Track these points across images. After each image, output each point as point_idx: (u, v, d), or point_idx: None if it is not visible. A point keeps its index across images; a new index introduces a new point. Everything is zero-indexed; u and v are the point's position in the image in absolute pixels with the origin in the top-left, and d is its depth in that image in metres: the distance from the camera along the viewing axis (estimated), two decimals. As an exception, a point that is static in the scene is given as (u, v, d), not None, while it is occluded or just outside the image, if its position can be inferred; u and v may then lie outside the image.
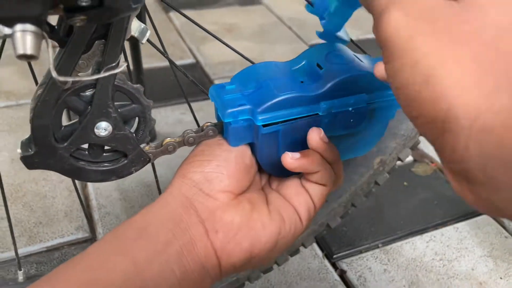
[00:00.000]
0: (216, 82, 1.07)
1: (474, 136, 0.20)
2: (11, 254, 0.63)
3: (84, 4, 0.24)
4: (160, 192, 0.50)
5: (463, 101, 0.21)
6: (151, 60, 1.11)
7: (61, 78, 0.28)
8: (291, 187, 0.37)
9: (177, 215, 0.34)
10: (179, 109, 0.96)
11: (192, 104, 0.98)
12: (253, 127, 0.36)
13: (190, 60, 1.15)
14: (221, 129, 0.38)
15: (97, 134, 0.35)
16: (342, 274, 0.65)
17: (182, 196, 0.35)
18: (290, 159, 0.36)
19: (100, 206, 0.72)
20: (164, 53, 0.45)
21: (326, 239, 0.70)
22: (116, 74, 0.33)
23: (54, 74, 0.24)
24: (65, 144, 0.35)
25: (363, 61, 0.38)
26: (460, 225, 0.76)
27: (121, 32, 0.32)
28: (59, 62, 0.31)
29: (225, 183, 0.36)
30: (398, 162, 0.55)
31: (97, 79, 0.33)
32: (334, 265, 0.67)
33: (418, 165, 0.89)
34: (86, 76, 0.31)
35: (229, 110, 0.36)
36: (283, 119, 0.36)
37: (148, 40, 0.47)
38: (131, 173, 0.38)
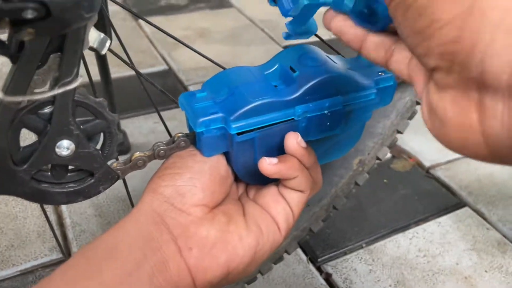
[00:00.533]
0: (190, 88, 1.05)
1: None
2: (-19, 281, 0.60)
3: (30, 16, 0.22)
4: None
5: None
6: (121, 70, 1.09)
7: (9, 99, 0.26)
8: (268, 195, 0.36)
9: (148, 233, 0.32)
10: (152, 118, 0.94)
11: (165, 113, 0.97)
12: (227, 135, 0.35)
13: (162, 67, 1.12)
14: (193, 139, 0.37)
15: (58, 153, 0.33)
16: (328, 278, 0.64)
17: (153, 212, 0.33)
18: (268, 165, 0.34)
19: (75, 224, 0.70)
20: (129, 63, 0.43)
21: (309, 242, 0.68)
22: (74, 89, 0.31)
23: (1, 95, 0.22)
24: (25, 166, 0.32)
25: (336, 62, 0.37)
26: (442, 219, 0.75)
27: (78, 44, 0.30)
28: (11, 79, 0.29)
29: (198, 197, 0.34)
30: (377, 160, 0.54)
31: (54, 96, 0.31)
32: (319, 269, 0.66)
33: (396, 161, 0.88)
34: (40, 94, 0.28)
35: (201, 119, 0.34)
36: (257, 126, 0.34)
37: (111, 50, 0.45)
38: (99, 192, 0.36)
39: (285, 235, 0.36)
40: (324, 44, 0.50)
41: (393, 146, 0.55)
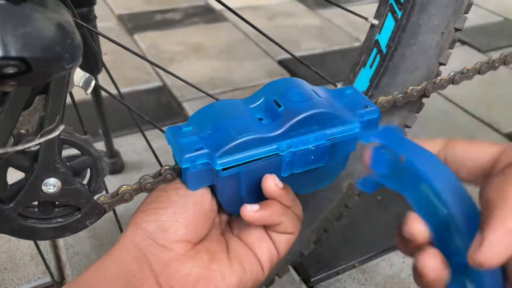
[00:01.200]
0: (184, 104, 1.05)
1: None
2: (-26, 306, 0.60)
3: (11, 71, 0.22)
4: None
5: None
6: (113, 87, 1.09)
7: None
8: (254, 233, 0.36)
9: (129, 270, 0.32)
10: (147, 135, 0.94)
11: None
12: (213, 170, 0.35)
13: (157, 83, 1.13)
14: (179, 172, 0.37)
15: (45, 191, 0.33)
16: (321, 299, 0.64)
17: (134, 248, 0.33)
18: (249, 212, 0.34)
19: (68, 246, 0.70)
20: (114, 96, 0.43)
21: (302, 262, 0.69)
22: (59, 128, 0.31)
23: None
24: (12, 204, 0.33)
25: (320, 94, 0.38)
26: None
27: (63, 86, 0.30)
28: (-4, 122, 0.30)
29: (181, 232, 0.34)
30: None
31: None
32: (312, 289, 0.66)
33: (390, 177, 0.89)
34: (22, 144, 0.29)
35: (187, 156, 0.34)
36: (243, 161, 0.35)
37: (101, 88, 0.45)
38: (86, 226, 0.36)
39: (267, 273, 0.36)
40: (316, 74, 0.51)
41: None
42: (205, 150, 0.34)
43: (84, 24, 0.41)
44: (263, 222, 0.34)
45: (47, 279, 0.64)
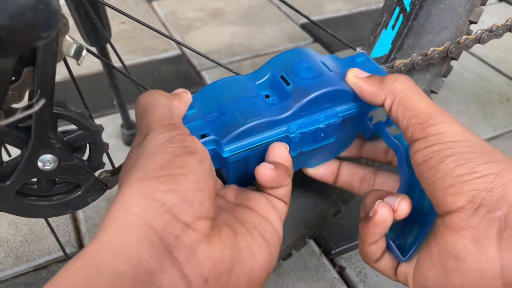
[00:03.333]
0: (203, 73, 1.03)
1: None
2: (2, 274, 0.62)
3: (-24, 41, 0.20)
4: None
5: None
6: (134, 56, 1.08)
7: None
8: (261, 202, 0.32)
9: (140, 263, 0.23)
10: (165, 106, 0.92)
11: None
12: (219, 155, 0.33)
13: (175, 52, 1.10)
14: None
15: (41, 168, 0.32)
16: (341, 271, 0.62)
17: (146, 229, 0.24)
18: (267, 170, 0.31)
19: (88, 218, 0.70)
20: (116, 68, 0.41)
21: (323, 234, 0.67)
22: (51, 102, 0.30)
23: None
24: (8, 182, 0.32)
25: (330, 67, 0.35)
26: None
27: (51, 57, 0.28)
28: (-17, 97, 0.28)
29: (206, 206, 0.26)
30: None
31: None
32: (332, 262, 0.64)
33: (417, 145, 0.85)
34: (8, 119, 0.27)
35: None
36: (250, 146, 0.33)
37: (104, 59, 0.43)
38: (88, 203, 0.35)
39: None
40: (336, 38, 0.47)
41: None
42: (211, 137, 0.32)
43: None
44: (277, 183, 0.32)
45: (67, 250, 0.65)
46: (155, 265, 0.23)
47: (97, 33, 0.57)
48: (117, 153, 0.81)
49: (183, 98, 0.33)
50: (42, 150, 0.31)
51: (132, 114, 0.83)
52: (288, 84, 0.33)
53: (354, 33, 1.17)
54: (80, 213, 0.71)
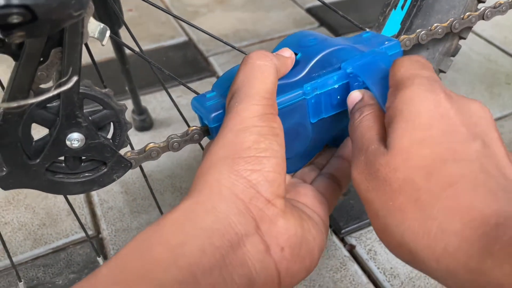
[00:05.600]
0: (211, 59, 1.04)
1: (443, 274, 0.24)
2: (16, 259, 0.63)
3: (16, 21, 0.21)
4: (154, 196, 0.49)
5: (420, 247, 0.24)
6: (142, 43, 1.08)
7: (5, 105, 0.26)
8: (309, 196, 0.34)
9: (228, 224, 0.26)
10: (175, 92, 0.93)
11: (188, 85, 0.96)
12: None
13: (182, 38, 1.11)
14: (207, 132, 0.37)
15: (69, 146, 0.33)
16: (351, 249, 0.64)
17: (235, 199, 0.27)
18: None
19: (102, 201, 0.72)
20: (134, 50, 0.42)
21: (333, 214, 0.68)
22: (78, 82, 0.31)
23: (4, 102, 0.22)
24: (38, 160, 0.33)
25: (337, 40, 0.36)
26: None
27: (77, 37, 0.29)
28: (15, 77, 0.29)
29: (282, 187, 0.29)
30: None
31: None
32: (342, 240, 0.65)
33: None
34: (37, 97, 0.28)
35: (213, 114, 0.34)
36: None
37: (120, 43, 0.44)
38: (113, 180, 0.36)
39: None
40: (346, 20, 0.48)
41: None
42: None
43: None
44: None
45: (83, 233, 0.67)
46: (241, 228, 0.27)
47: (110, 18, 0.58)
48: (130, 138, 0.83)
49: (287, 65, 0.34)
50: (70, 129, 0.33)
51: (142, 100, 0.84)
52: (297, 55, 0.35)
53: (360, 16, 1.17)
54: (95, 197, 0.72)
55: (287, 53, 0.34)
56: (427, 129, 0.26)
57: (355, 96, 0.33)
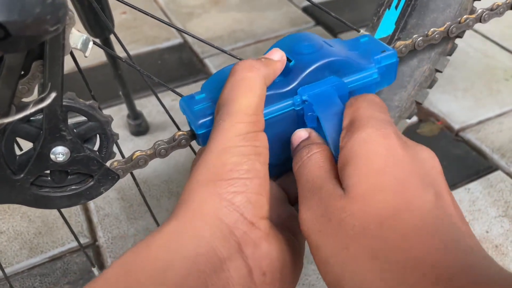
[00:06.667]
0: (206, 60, 1.03)
1: None
2: (12, 269, 0.63)
3: (-12, 37, 0.20)
4: (147, 204, 0.48)
5: None
6: (137, 46, 1.08)
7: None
8: (295, 224, 0.32)
9: (212, 249, 0.26)
10: (169, 95, 0.93)
11: (182, 88, 0.96)
12: None
13: (177, 40, 1.10)
14: (194, 136, 0.36)
15: (54, 160, 0.32)
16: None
17: (219, 223, 0.27)
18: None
19: (98, 208, 0.71)
20: (121, 58, 0.41)
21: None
22: (61, 95, 0.30)
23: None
24: (22, 175, 0.32)
25: (332, 45, 0.35)
26: (472, 185, 0.72)
27: (58, 50, 0.28)
28: (-6, 92, 0.28)
29: (265, 208, 0.29)
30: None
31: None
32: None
33: (423, 125, 0.84)
34: (17, 114, 0.27)
35: (200, 121, 0.33)
36: None
37: (107, 49, 0.43)
38: (100, 193, 0.36)
39: None
40: (340, 21, 0.47)
41: (412, 117, 0.52)
42: None
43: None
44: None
45: (80, 241, 0.66)
46: (225, 252, 0.27)
47: (100, 24, 0.57)
48: (125, 143, 0.82)
49: (276, 70, 0.32)
50: (54, 143, 0.32)
51: (137, 104, 0.83)
52: (290, 61, 0.34)
53: (357, 14, 1.16)
54: (91, 204, 0.72)
55: (277, 56, 0.33)
56: (382, 174, 0.26)
57: (301, 134, 0.32)
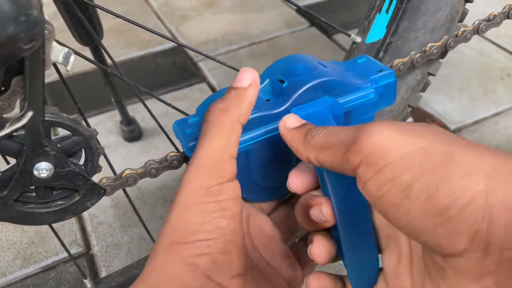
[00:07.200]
0: (200, 64, 1.02)
1: None
2: (5, 280, 0.62)
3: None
4: (139, 216, 0.47)
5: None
6: (130, 51, 1.07)
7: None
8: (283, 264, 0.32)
9: None
10: (164, 99, 0.92)
11: (176, 93, 0.95)
12: None
13: (171, 44, 1.09)
14: (187, 158, 0.35)
15: (37, 176, 0.32)
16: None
17: None
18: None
19: (92, 217, 0.70)
20: (106, 69, 0.41)
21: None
22: (43, 110, 0.29)
23: None
24: (6, 192, 0.32)
25: (328, 66, 0.34)
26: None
27: (38, 65, 0.28)
28: (-27, 109, 0.28)
29: (235, 265, 0.27)
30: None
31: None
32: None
33: (419, 126, 0.84)
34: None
35: (191, 144, 0.32)
36: (250, 142, 0.32)
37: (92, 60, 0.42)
38: (87, 208, 0.35)
39: None
40: (329, 25, 0.47)
41: (405, 121, 0.52)
42: None
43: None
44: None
45: (74, 250, 0.66)
46: None
47: (89, 32, 0.56)
48: (118, 149, 0.82)
49: (251, 100, 0.30)
50: (37, 159, 0.31)
51: (130, 110, 0.82)
52: (283, 82, 0.33)
53: (352, 13, 1.15)
54: (85, 212, 0.71)
55: (246, 80, 0.30)
56: None
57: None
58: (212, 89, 0.95)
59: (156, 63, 1.04)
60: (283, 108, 0.32)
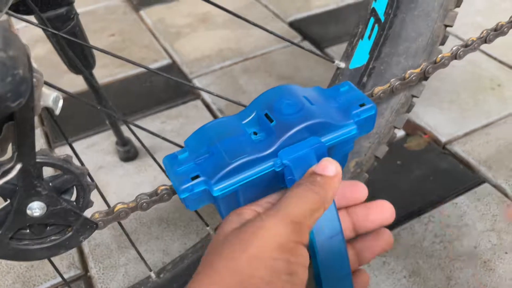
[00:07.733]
0: (195, 80, 1.03)
1: None
2: (5, 305, 0.63)
3: None
4: (131, 241, 0.48)
5: None
6: (125, 68, 1.08)
7: None
8: None
9: None
10: (159, 118, 0.93)
11: (171, 110, 0.96)
12: (210, 193, 0.34)
13: (166, 61, 1.11)
14: (176, 192, 0.36)
15: (31, 215, 0.33)
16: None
17: None
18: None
19: (90, 239, 0.71)
20: (93, 104, 0.42)
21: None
22: (34, 152, 0.31)
23: None
24: (0, 231, 0.33)
25: (312, 100, 0.36)
26: (459, 199, 0.73)
27: (28, 112, 0.29)
28: (-34, 157, 0.29)
29: None
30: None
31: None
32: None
33: (410, 139, 0.85)
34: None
35: (183, 186, 0.34)
36: (239, 183, 0.34)
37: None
38: (80, 242, 0.36)
39: None
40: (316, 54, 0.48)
41: (392, 141, 0.53)
42: (202, 178, 0.34)
43: (56, 32, 0.39)
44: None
45: (72, 273, 0.67)
46: None
47: (81, 61, 0.58)
48: (114, 169, 0.83)
49: (335, 191, 0.32)
50: (30, 199, 0.32)
51: (125, 130, 0.84)
52: (271, 121, 0.35)
53: (343, 26, 1.17)
54: (82, 234, 0.72)
55: (331, 170, 0.32)
56: None
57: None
58: (207, 105, 0.97)
59: (151, 80, 1.05)
60: (272, 149, 0.34)
